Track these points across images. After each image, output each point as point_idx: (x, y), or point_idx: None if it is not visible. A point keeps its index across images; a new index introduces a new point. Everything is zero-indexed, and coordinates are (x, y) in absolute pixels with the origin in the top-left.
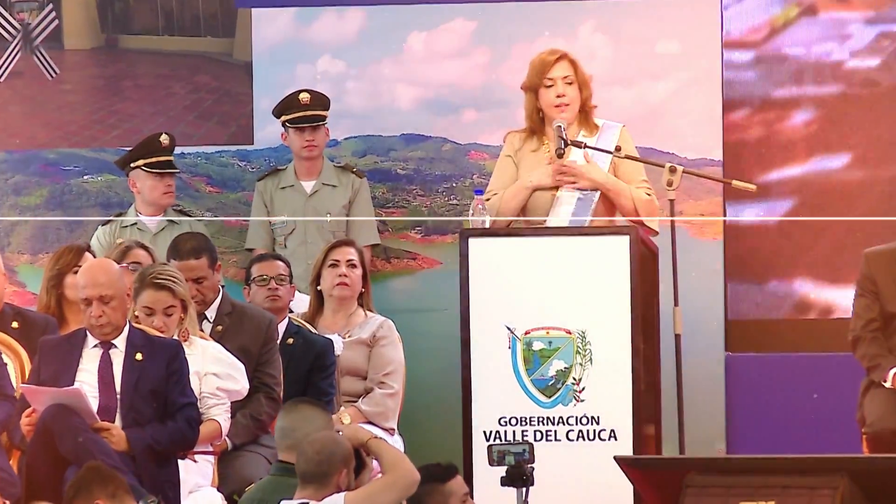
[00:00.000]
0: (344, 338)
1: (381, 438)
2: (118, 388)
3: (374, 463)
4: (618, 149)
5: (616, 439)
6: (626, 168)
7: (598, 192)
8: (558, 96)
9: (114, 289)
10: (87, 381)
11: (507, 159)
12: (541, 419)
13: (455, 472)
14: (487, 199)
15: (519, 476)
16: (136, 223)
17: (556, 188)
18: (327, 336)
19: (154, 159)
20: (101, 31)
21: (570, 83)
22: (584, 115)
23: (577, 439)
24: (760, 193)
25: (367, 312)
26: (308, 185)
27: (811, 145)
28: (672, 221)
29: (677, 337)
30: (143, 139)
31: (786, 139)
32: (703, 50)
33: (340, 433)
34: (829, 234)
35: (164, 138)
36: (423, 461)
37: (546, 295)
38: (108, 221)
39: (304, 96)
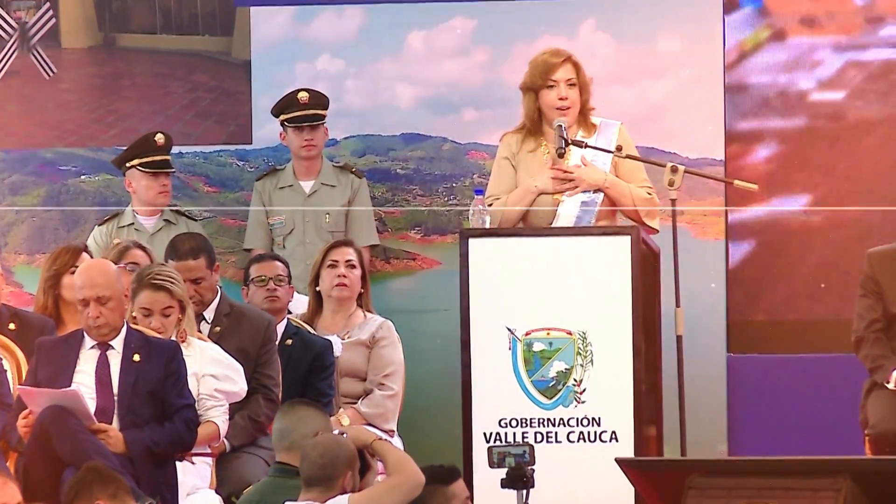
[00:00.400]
0: (343, 339)
1: (385, 440)
2: (115, 390)
3: (379, 464)
4: (619, 148)
5: (617, 441)
6: (626, 167)
7: (602, 194)
8: (560, 98)
9: (111, 289)
10: (84, 382)
11: (504, 162)
12: (541, 421)
13: (458, 474)
14: (490, 205)
15: (519, 478)
16: (132, 223)
17: (560, 192)
18: (326, 337)
19: (149, 159)
20: (99, 30)
21: (573, 85)
22: (583, 116)
23: (578, 441)
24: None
25: (367, 313)
26: (307, 185)
27: (771, 184)
28: (674, 224)
29: (679, 338)
30: (138, 138)
31: (746, 177)
32: (705, 47)
33: (345, 435)
34: (787, 278)
35: (159, 137)
36: (423, 463)
37: (547, 296)
38: (105, 221)
39: (303, 95)
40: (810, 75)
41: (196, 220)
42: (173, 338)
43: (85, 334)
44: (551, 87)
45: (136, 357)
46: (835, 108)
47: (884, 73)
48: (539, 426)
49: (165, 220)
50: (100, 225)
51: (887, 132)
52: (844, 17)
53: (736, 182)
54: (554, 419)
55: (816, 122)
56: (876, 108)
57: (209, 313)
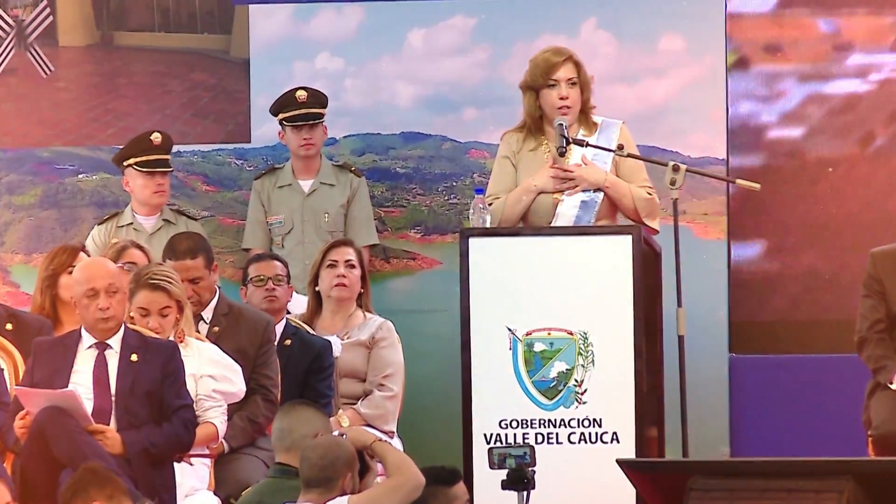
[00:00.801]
0: (342, 339)
1: (385, 441)
2: (113, 390)
3: (379, 465)
4: (620, 147)
5: (618, 442)
6: (627, 167)
7: (602, 194)
8: (561, 98)
9: (119, 282)
10: (81, 382)
11: (504, 161)
12: (542, 421)
13: (460, 476)
14: (490, 204)
15: (520, 479)
16: (131, 223)
17: (559, 191)
18: (325, 337)
19: (145, 158)
20: (97, 28)
21: (574, 85)
22: (584, 115)
23: (579, 442)
24: None
25: (366, 313)
26: (306, 184)
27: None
28: (675, 223)
29: (681, 338)
30: (134, 137)
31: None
32: (707, 46)
33: (344, 436)
34: (789, 278)
35: (155, 137)
36: (423, 464)
37: (547, 295)
38: (104, 221)
39: (301, 94)
40: (772, 108)
41: (196, 220)
42: (171, 338)
43: (83, 334)
44: (552, 86)
45: (134, 357)
46: (793, 147)
47: (845, 108)
48: (540, 427)
49: (165, 219)
50: (99, 224)
51: (845, 173)
52: (810, 45)
53: (738, 181)
54: (555, 420)
55: (775, 161)
56: (836, 146)
57: (207, 313)
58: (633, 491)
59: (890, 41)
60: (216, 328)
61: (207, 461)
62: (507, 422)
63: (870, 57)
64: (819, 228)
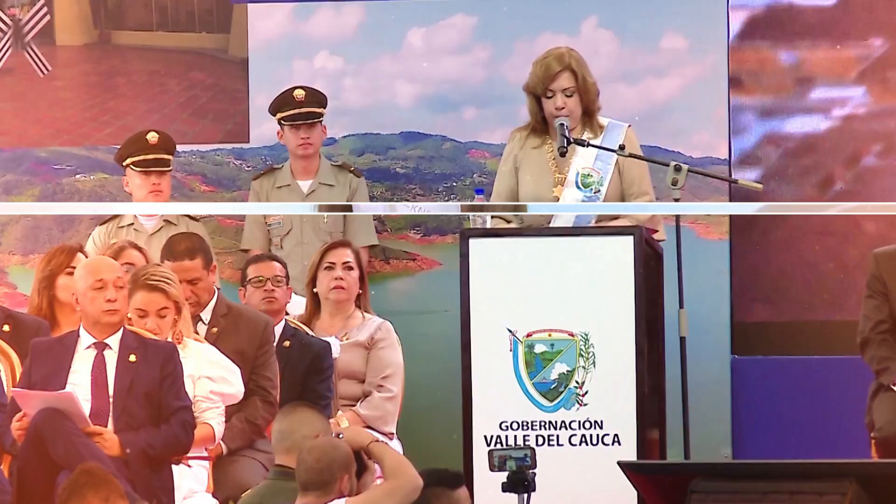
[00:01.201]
0: (341, 340)
1: (383, 442)
2: (111, 391)
3: (377, 465)
4: (622, 147)
5: (620, 444)
6: (631, 172)
7: (602, 194)
8: (557, 108)
9: (125, 278)
10: (79, 382)
11: (504, 169)
12: (543, 423)
13: (463, 482)
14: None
15: (520, 482)
16: (132, 223)
17: (559, 188)
18: (324, 339)
19: (140, 157)
20: (94, 27)
21: (571, 95)
22: (589, 117)
23: (580, 444)
24: None
25: (365, 314)
26: (305, 185)
27: None
28: (677, 223)
29: (682, 339)
30: (131, 136)
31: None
32: (709, 45)
33: (342, 437)
34: (792, 279)
35: (151, 136)
36: (423, 466)
37: (548, 296)
38: (106, 221)
39: (299, 93)
40: (733, 145)
41: (197, 220)
42: (169, 339)
43: (81, 333)
44: (550, 97)
45: (133, 358)
46: (749, 193)
47: (805, 148)
48: (540, 429)
49: (165, 220)
50: (100, 225)
51: (798, 224)
52: (770, 78)
53: (740, 181)
54: (555, 422)
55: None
56: (791, 190)
57: (206, 314)
58: (635, 493)
59: (852, 75)
60: (215, 329)
61: (206, 463)
62: (508, 424)
63: (832, 91)
64: (774, 279)
